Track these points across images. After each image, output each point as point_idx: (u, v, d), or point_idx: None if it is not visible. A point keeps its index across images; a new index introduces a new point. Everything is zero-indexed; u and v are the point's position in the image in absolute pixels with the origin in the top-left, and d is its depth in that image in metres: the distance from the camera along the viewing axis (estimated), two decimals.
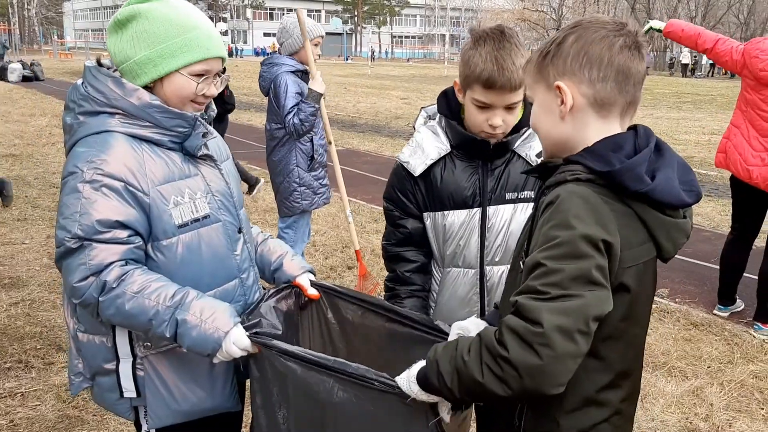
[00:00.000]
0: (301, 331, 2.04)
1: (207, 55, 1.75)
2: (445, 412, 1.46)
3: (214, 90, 1.82)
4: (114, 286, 1.64)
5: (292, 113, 4.01)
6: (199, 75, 1.76)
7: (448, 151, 2.04)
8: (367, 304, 1.97)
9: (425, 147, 2.06)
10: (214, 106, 1.91)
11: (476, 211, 2.02)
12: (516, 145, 2.02)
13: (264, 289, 2.06)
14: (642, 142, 1.38)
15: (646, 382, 3.70)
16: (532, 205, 1.94)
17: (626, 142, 1.36)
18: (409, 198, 2.09)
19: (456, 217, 2.03)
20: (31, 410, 3.28)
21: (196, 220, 1.79)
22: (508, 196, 2.02)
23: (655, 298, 4.84)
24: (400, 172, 2.11)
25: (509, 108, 1.91)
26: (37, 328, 4.16)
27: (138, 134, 1.72)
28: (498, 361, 1.24)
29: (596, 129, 1.38)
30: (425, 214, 2.09)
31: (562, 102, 1.37)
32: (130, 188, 1.67)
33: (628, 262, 1.32)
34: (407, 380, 1.46)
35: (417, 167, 2.05)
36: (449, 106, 2.05)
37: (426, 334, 1.85)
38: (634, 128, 1.44)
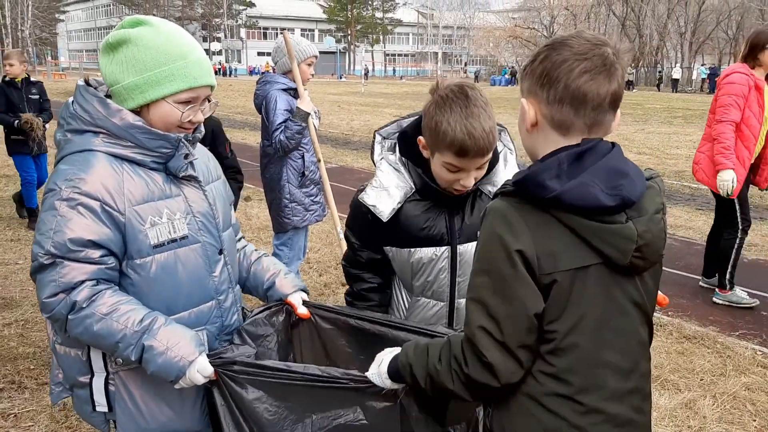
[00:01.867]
0: (293, 348, 2.06)
1: (194, 84, 1.77)
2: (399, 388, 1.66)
3: (201, 116, 1.84)
4: (84, 306, 1.66)
5: (279, 130, 4.05)
6: (186, 102, 1.78)
7: (413, 190, 2.02)
8: (360, 317, 1.99)
9: (390, 189, 2.01)
10: (202, 128, 1.93)
11: (445, 250, 2.03)
12: (479, 182, 2.00)
13: (248, 311, 2.08)
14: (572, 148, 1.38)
15: None
16: None
17: (562, 152, 1.38)
18: (371, 235, 2.09)
19: (423, 254, 2.04)
20: (24, 431, 3.26)
21: (173, 240, 1.81)
22: (480, 232, 2.03)
23: None
24: (363, 212, 2.05)
25: (480, 167, 1.92)
26: (30, 348, 4.15)
27: (120, 154, 1.74)
28: (463, 374, 1.41)
29: (557, 144, 1.40)
30: (388, 248, 2.09)
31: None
32: (106, 207, 1.69)
33: (549, 269, 1.34)
34: (379, 375, 1.63)
35: (384, 212, 2.00)
36: (411, 150, 2.01)
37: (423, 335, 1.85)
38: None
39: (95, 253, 1.68)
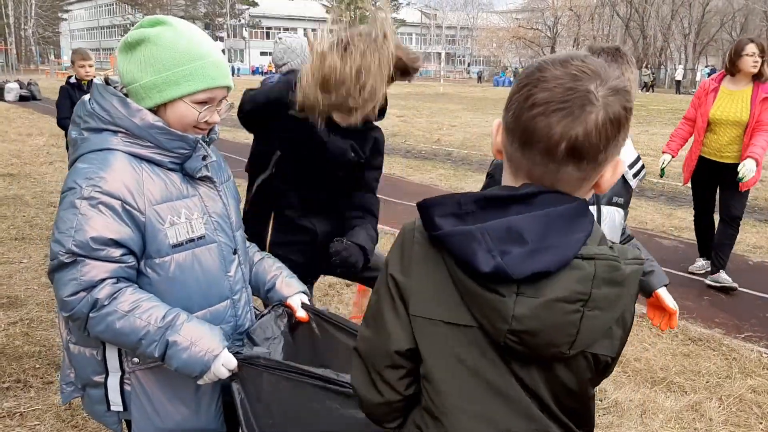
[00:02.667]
0: (294, 351, 2.05)
1: (211, 84, 1.77)
2: None
3: (217, 117, 1.84)
4: (105, 303, 1.66)
5: None
6: (203, 103, 1.78)
7: None
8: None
9: None
10: (217, 129, 1.94)
11: (594, 208, 2.17)
12: None
13: (258, 311, 2.08)
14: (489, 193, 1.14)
15: (645, 397, 3.71)
16: (620, 210, 2.23)
17: (472, 195, 1.15)
18: None
19: None
20: (30, 430, 3.26)
21: (191, 240, 1.81)
22: (614, 199, 2.21)
23: None
24: None
25: None
26: (35, 347, 4.15)
27: (139, 153, 1.74)
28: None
29: (505, 181, 1.19)
30: None
31: None
32: (127, 207, 1.69)
33: (420, 312, 1.17)
34: None
35: None
36: None
37: None
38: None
39: (116, 252, 1.68)
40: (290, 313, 2.05)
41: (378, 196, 2.96)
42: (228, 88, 1.84)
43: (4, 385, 3.67)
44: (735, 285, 5.48)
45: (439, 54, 79.60)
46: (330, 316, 2.05)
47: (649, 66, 55.62)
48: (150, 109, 1.76)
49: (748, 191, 5.41)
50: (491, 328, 1.11)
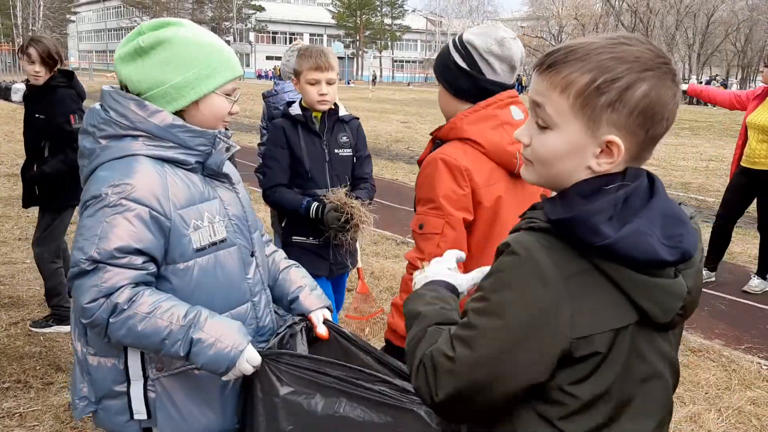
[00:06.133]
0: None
1: (236, 73, 1.83)
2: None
3: (237, 107, 1.89)
4: (125, 307, 1.63)
5: None
6: (228, 94, 1.83)
7: None
8: (379, 359, 1.93)
9: None
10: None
11: None
12: None
13: (280, 315, 2.08)
14: (627, 185, 1.12)
15: None
16: None
17: (609, 185, 1.12)
18: None
19: None
20: (29, 431, 3.27)
21: (214, 243, 1.81)
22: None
23: None
24: None
25: None
26: (36, 348, 4.17)
27: (163, 156, 1.73)
28: (413, 375, 1.22)
29: (586, 163, 1.15)
30: None
31: (603, 153, 1.13)
32: (154, 213, 1.68)
33: (584, 331, 1.09)
34: None
35: None
36: None
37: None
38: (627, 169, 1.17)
39: (138, 260, 1.66)
40: (310, 327, 2.02)
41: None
42: (240, 77, 1.90)
43: (4, 386, 3.68)
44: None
45: None
46: (350, 336, 2.00)
47: None
48: (182, 109, 1.77)
49: None
50: (660, 312, 1.13)
